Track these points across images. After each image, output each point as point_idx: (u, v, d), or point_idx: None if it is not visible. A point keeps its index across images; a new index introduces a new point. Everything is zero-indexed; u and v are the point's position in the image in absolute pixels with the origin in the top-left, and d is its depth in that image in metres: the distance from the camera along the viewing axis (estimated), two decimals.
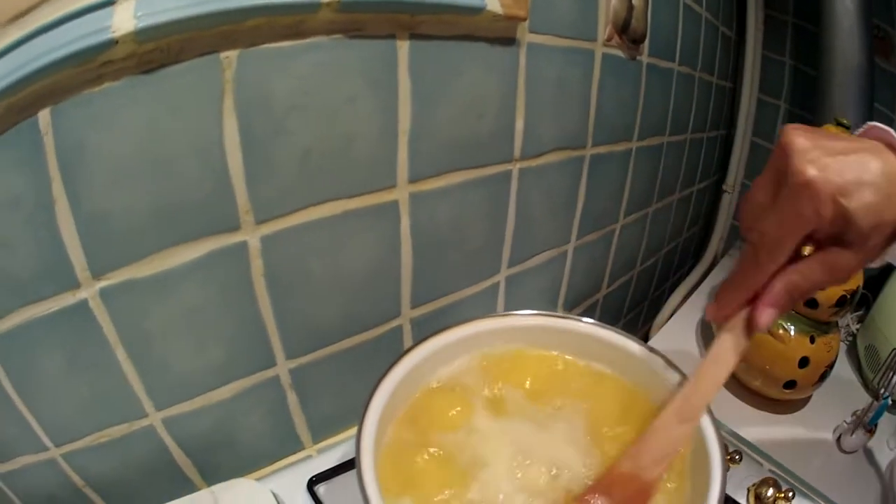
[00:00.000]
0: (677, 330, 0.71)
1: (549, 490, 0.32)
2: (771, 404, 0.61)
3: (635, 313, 0.88)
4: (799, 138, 0.26)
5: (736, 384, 0.63)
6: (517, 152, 0.47)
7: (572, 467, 0.33)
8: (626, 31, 0.53)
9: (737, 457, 0.48)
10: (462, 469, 0.33)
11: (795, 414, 0.61)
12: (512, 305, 0.54)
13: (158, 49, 0.28)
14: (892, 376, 0.55)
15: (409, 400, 0.36)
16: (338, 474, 0.43)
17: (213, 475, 0.42)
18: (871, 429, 0.55)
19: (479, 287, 0.51)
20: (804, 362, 0.56)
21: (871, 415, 0.54)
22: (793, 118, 0.89)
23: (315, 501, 0.41)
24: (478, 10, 0.37)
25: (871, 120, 0.28)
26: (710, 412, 0.33)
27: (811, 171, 0.25)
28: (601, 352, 0.38)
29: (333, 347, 0.43)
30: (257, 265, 0.36)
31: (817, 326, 0.57)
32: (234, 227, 0.34)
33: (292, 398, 0.43)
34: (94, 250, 0.31)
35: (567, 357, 0.39)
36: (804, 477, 0.50)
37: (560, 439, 0.35)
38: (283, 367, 0.41)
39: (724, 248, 1.01)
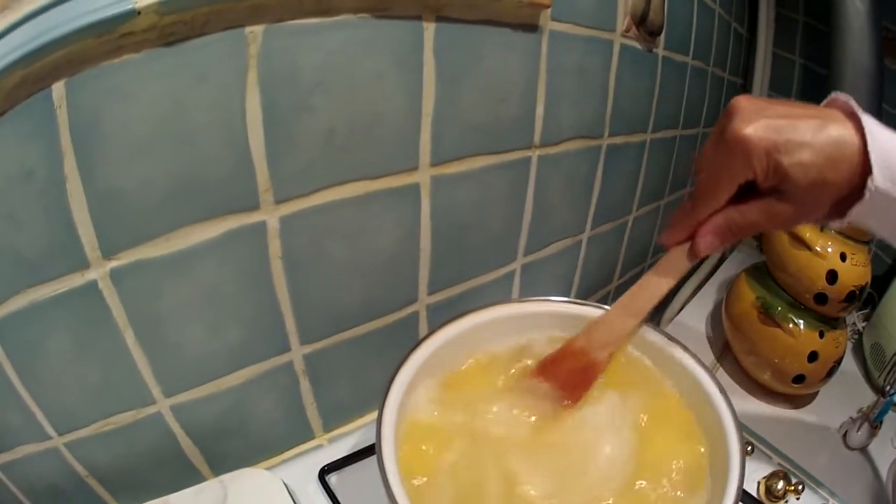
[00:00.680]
0: (687, 323, 0.71)
1: None
2: (779, 398, 0.62)
3: None
4: (742, 101, 0.30)
5: (745, 378, 0.63)
6: (537, 139, 0.46)
7: None
8: (644, 23, 0.53)
9: (749, 448, 0.48)
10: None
11: (802, 409, 0.62)
12: (526, 294, 0.54)
13: (182, 21, 0.27)
14: None
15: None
16: (350, 464, 0.42)
17: (222, 464, 0.41)
18: (876, 425, 0.55)
19: (496, 274, 0.50)
20: (813, 357, 0.57)
21: (876, 412, 0.55)
22: None
23: (327, 492, 0.41)
24: None
25: (879, 120, 0.29)
26: (733, 408, 0.33)
27: (746, 129, 0.29)
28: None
29: (348, 333, 0.43)
30: (275, 246, 0.35)
31: (826, 322, 0.57)
32: (253, 207, 0.33)
33: (305, 385, 0.42)
34: (106, 229, 0.30)
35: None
36: (811, 471, 0.50)
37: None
38: (297, 353, 0.40)
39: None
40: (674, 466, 0.33)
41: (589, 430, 0.34)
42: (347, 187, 0.37)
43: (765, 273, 0.62)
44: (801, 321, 0.57)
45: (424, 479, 0.31)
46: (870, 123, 0.28)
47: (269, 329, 0.38)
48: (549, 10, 0.41)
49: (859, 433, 0.56)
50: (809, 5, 0.83)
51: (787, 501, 0.46)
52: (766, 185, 0.30)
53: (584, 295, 0.65)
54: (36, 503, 0.36)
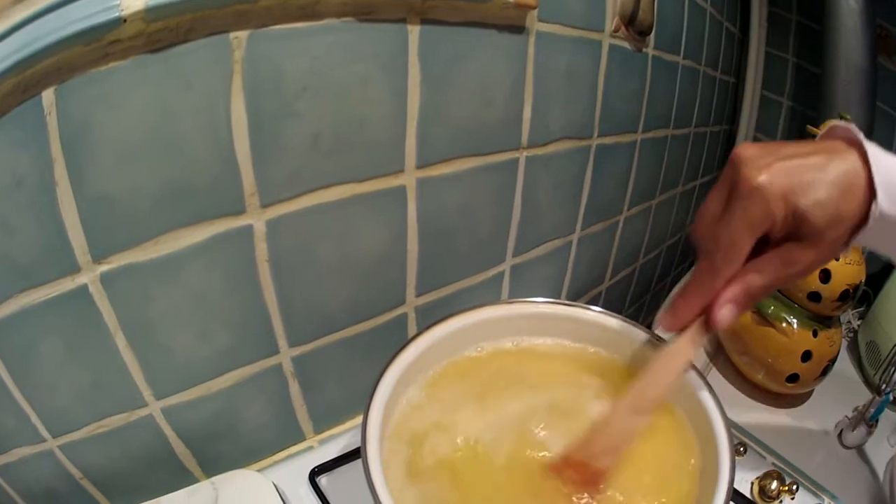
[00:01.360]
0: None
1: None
2: (773, 398, 0.61)
3: (637, 306, 0.88)
4: (747, 150, 0.29)
5: (738, 378, 0.63)
6: (525, 140, 0.46)
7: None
8: (633, 23, 0.53)
9: (741, 448, 0.48)
10: None
11: (797, 409, 0.61)
12: (516, 295, 0.54)
13: (167, 28, 0.27)
14: (894, 372, 0.55)
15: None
16: (340, 465, 0.42)
17: (213, 466, 0.41)
18: (872, 424, 0.55)
19: (484, 276, 0.51)
20: (807, 356, 0.56)
21: (872, 410, 0.54)
22: (795, 115, 0.89)
23: (317, 493, 0.41)
24: None
25: (873, 119, 0.29)
26: (720, 405, 0.33)
27: (759, 176, 0.27)
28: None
29: (337, 335, 0.43)
30: (262, 250, 0.36)
31: (820, 321, 0.57)
32: (240, 211, 0.34)
33: (294, 387, 0.43)
34: (96, 234, 0.30)
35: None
36: (806, 471, 0.50)
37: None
38: (285, 355, 0.41)
39: None
40: (662, 467, 0.33)
41: None
42: (333, 190, 0.37)
43: None
44: (795, 320, 0.57)
45: (410, 480, 0.31)
46: (872, 149, 0.28)
47: (258, 332, 0.38)
48: (535, 12, 0.41)
49: (855, 432, 0.55)
50: (802, 4, 0.83)
51: (781, 501, 0.46)
52: (781, 233, 0.28)
53: (575, 296, 0.65)
54: None
